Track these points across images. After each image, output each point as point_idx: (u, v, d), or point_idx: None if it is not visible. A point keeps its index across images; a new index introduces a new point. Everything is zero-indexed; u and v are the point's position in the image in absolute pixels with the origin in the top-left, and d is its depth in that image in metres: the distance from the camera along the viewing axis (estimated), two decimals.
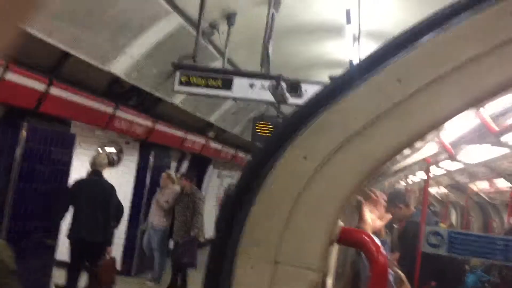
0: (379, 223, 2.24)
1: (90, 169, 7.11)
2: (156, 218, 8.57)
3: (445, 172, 9.56)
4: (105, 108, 7.13)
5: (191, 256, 8.18)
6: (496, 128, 3.89)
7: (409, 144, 1.04)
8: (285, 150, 1.11)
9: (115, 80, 6.97)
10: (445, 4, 1.01)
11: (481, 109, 3.49)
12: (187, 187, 8.48)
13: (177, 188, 8.66)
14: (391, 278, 2.46)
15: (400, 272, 3.23)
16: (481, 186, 11.29)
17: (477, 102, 1.01)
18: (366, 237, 1.20)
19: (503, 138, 4.32)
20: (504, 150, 5.60)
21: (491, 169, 8.25)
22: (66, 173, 7.00)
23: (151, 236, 8.61)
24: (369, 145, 1.03)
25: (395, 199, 5.47)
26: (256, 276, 1.12)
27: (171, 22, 6.47)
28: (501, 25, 0.96)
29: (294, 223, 1.11)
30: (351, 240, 1.24)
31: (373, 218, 2.22)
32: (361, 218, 2.17)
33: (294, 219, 1.11)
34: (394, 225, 6.09)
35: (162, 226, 8.52)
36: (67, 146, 6.99)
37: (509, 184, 9.16)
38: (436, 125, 1.02)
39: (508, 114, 3.83)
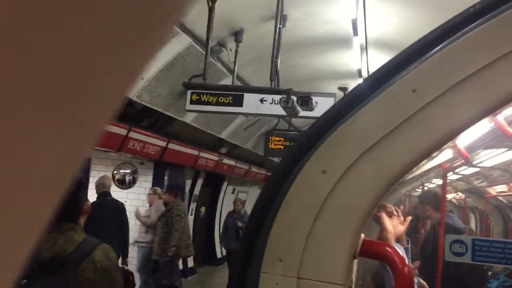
0: (401, 228, 2.24)
1: (99, 192, 7.17)
2: (138, 234, 8.28)
3: (461, 177, 9.43)
4: (119, 130, 7.19)
5: (170, 277, 7.78)
6: None
7: (428, 154, 1.03)
8: (304, 165, 1.11)
9: (127, 102, 7.03)
10: (456, 13, 1.02)
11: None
12: (169, 202, 7.97)
13: (161, 203, 8.20)
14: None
15: (422, 281, 3.20)
16: (499, 189, 11.12)
17: (493, 109, 1.00)
18: (389, 249, 1.19)
19: None
20: None
21: (509, 173, 8.14)
22: None
23: (137, 252, 8.38)
24: (387, 157, 1.03)
25: (426, 199, 5.43)
26: None
27: (180, 43, 6.54)
28: None
29: (316, 238, 1.11)
30: (374, 252, 1.23)
31: (395, 224, 2.22)
32: (383, 227, 2.16)
33: (316, 233, 1.11)
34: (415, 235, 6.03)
35: (144, 243, 8.14)
36: (82, 170, 7.04)
37: None
38: (454, 134, 1.01)
39: None
